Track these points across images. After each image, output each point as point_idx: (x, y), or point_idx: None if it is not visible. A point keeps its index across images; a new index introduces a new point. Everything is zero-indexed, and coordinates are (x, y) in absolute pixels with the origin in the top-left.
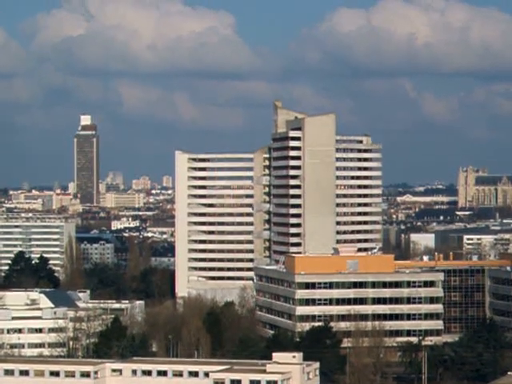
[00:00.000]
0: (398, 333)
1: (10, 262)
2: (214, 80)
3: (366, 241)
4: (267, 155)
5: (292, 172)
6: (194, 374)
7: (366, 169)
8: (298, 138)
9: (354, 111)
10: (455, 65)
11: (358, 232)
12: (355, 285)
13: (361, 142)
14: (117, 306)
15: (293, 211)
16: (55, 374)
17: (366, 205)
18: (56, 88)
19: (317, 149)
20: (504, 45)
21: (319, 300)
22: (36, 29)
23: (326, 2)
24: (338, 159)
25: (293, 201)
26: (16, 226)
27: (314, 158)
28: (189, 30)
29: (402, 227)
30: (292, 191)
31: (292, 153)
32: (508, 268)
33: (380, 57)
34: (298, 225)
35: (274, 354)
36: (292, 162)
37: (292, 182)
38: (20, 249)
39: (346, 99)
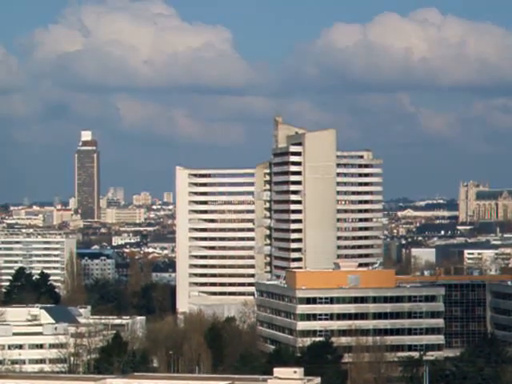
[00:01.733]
0: (399, 348)
1: (10, 277)
2: (212, 95)
3: (366, 256)
4: (268, 170)
5: (293, 187)
6: None
7: (366, 184)
8: (298, 153)
9: (352, 126)
10: (452, 79)
11: (359, 247)
12: (356, 300)
13: (361, 157)
14: (118, 321)
15: (293, 226)
16: None
17: (366, 220)
18: (54, 103)
19: (317, 164)
20: (500, 59)
21: (320, 315)
22: (33, 44)
23: (323, 17)
24: (338, 174)
25: (293, 216)
26: (17, 242)
27: (315, 173)
28: (186, 45)
29: (403, 242)
30: (293, 206)
31: (293, 168)
32: (509, 282)
33: (377, 71)
34: (299, 240)
35: (275, 370)
36: (293, 177)
37: (293, 197)
38: (21, 265)
39: (345, 114)
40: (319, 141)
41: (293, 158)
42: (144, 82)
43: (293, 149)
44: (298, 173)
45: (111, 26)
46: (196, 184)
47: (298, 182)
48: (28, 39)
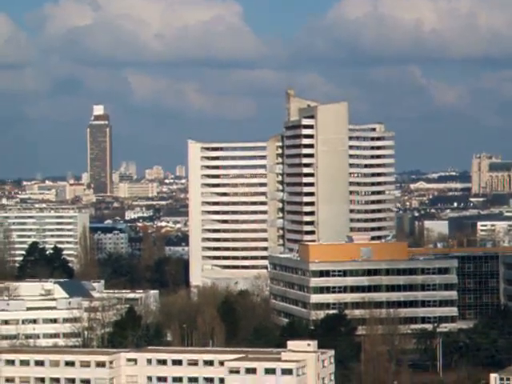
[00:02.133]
0: (412, 320)
1: (24, 252)
2: (222, 69)
3: (379, 228)
4: (280, 143)
5: (305, 160)
6: (209, 363)
7: (378, 156)
8: (310, 126)
9: (363, 99)
10: (463, 51)
11: (372, 220)
12: (369, 272)
13: (374, 129)
14: (131, 295)
15: (306, 199)
16: (70, 364)
17: (379, 193)
18: (65, 78)
19: (330, 137)
20: (511, 30)
21: (333, 288)
22: (43, 19)
23: None
24: (350, 147)
25: (306, 189)
26: (30, 217)
27: (327, 146)
28: (196, 18)
29: (416, 214)
30: (305, 179)
31: (305, 141)
32: None
33: (387, 43)
34: (312, 213)
35: (288, 342)
36: (305, 150)
37: (305, 170)
38: (34, 239)
39: (356, 87)
40: (331, 113)
41: (305, 131)
42: (154, 55)
43: (305, 122)
44: (311, 146)
45: (121, 1)
46: (208, 158)
47: (311, 155)
48: (38, 14)
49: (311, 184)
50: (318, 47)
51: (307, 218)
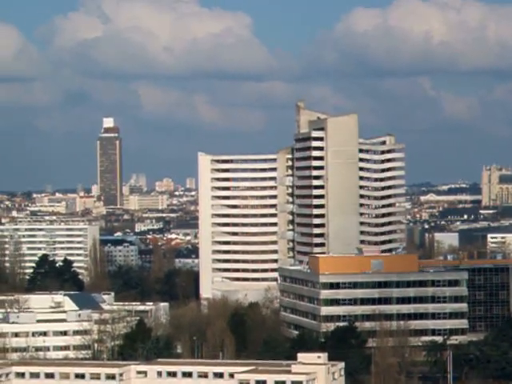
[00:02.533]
0: (422, 332)
1: (34, 265)
2: (232, 81)
3: (389, 241)
4: (290, 156)
5: (315, 172)
6: (219, 375)
7: (389, 169)
8: (320, 139)
9: (374, 111)
10: (473, 63)
11: (382, 233)
12: (379, 284)
13: (384, 142)
14: (141, 307)
15: (316, 212)
16: (80, 376)
17: (389, 205)
18: (75, 91)
19: (340, 149)
20: None
21: (343, 300)
22: (53, 32)
23: (343, 2)
24: (361, 160)
25: (316, 201)
26: (40, 229)
27: (338, 158)
28: (205, 31)
29: (426, 226)
30: (315, 191)
31: (315, 153)
32: None
33: (397, 56)
34: (322, 225)
35: (298, 355)
36: (315, 163)
37: (315, 182)
38: (44, 252)
39: (366, 99)
40: (341, 126)
41: (315, 143)
42: (163, 68)
43: (315, 134)
44: (321, 158)
45: (130, 13)
46: (218, 170)
47: (321, 167)
48: (48, 28)
49: (321, 196)
50: (327, 60)
51: (317, 231)
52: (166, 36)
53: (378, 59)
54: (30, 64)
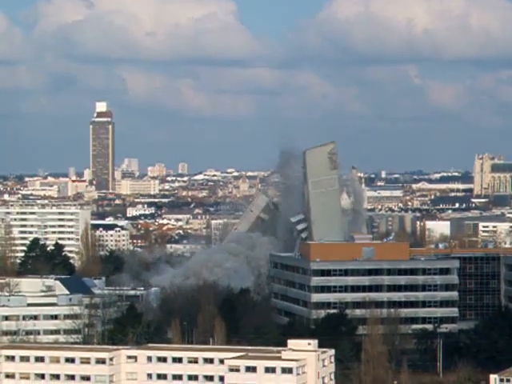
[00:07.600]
0: (413, 320)
1: (25, 248)
2: (217, 67)
3: None
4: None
5: None
6: (210, 361)
7: None
8: None
9: (359, 98)
10: (457, 52)
11: None
12: (370, 272)
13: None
14: (132, 292)
15: None
16: (70, 360)
17: None
18: (60, 75)
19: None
20: (504, 32)
21: (334, 287)
22: (37, 16)
23: None
24: None
25: None
26: (31, 213)
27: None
28: (189, 16)
29: (418, 214)
30: None
31: None
32: None
33: (380, 43)
34: None
35: (289, 341)
36: None
37: None
38: (35, 236)
39: (351, 86)
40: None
41: None
42: (147, 53)
43: None
44: None
45: None
46: None
47: None
48: (32, 11)
49: None
50: (310, 47)
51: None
52: (149, 20)
53: (361, 46)
54: (14, 47)
